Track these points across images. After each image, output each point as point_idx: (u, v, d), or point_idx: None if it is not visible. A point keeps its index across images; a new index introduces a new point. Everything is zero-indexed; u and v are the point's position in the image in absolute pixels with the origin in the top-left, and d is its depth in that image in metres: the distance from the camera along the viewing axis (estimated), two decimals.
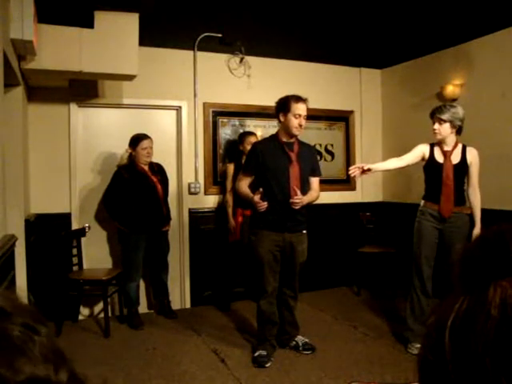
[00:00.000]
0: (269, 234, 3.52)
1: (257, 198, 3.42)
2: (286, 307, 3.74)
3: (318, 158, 5.55)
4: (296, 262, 3.62)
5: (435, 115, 3.58)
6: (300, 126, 3.51)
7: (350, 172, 3.49)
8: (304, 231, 3.63)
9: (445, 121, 3.54)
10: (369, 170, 3.46)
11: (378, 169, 3.70)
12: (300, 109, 3.51)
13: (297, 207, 3.42)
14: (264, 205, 3.41)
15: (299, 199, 3.41)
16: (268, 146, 3.65)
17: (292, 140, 3.60)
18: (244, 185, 3.64)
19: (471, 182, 3.67)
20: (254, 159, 3.61)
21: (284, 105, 3.52)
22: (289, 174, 3.52)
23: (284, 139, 3.59)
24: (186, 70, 4.92)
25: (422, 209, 3.73)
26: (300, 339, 3.79)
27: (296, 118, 3.49)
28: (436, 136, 3.61)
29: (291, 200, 3.40)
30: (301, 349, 3.72)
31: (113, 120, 4.79)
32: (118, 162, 4.68)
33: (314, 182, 3.69)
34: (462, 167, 3.63)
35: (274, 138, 3.67)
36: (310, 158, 3.70)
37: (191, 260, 4.97)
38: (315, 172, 3.70)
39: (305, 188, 3.58)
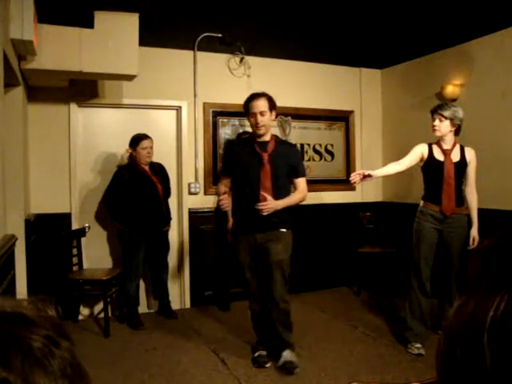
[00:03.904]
0: (242, 237, 3.44)
1: (222, 195, 3.38)
2: (272, 316, 3.44)
3: (318, 157, 5.60)
4: (271, 262, 3.37)
5: (437, 111, 3.58)
6: (257, 124, 3.33)
7: (350, 179, 3.45)
8: (283, 229, 3.41)
9: (446, 118, 3.55)
10: (369, 175, 3.44)
11: (378, 175, 3.66)
12: (254, 107, 3.33)
13: (264, 213, 3.23)
14: (225, 202, 3.35)
15: (264, 206, 3.22)
16: (242, 145, 3.54)
17: (266, 139, 3.42)
18: (221, 186, 3.58)
19: (469, 182, 3.68)
20: (228, 160, 3.54)
21: (245, 107, 3.41)
22: (259, 175, 3.36)
23: (257, 139, 3.43)
24: (186, 70, 4.92)
25: (422, 209, 3.73)
26: (286, 356, 3.42)
27: (252, 117, 3.34)
28: (435, 133, 3.61)
29: (256, 206, 3.23)
30: (282, 367, 3.39)
31: (113, 120, 4.79)
32: (119, 162, 4.68)
33: (298, 182, 3.48)
34: (462, 166, 3.64)
35: (250, 137, 3.54)
36: (288, 158, 3.45)
37: (191, 260, 4.97)
38: (298, 173, 3.48)
39: (281, 191, 3.39)
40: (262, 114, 3.32)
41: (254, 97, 3.36)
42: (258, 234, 3.38)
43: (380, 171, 3.70)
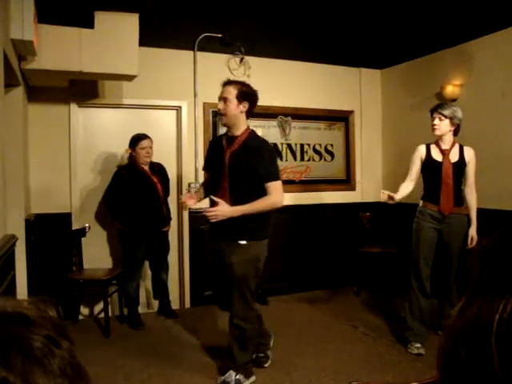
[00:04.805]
0: (211, 245, 3.23)
1: (183, 195, 3.20)
2: (231, 336, 3.16)
3: (318, 157, 5.59)
4: (229, 276, 3.06)
5: (436, 110, 3.59)
6: (218, 110, 3.09)
7: (381, 195, 3.56)
8: (242, 242, 2.99)
9: (446, 117, 3.56)
10: (392, 198, 3.53)
11: (399, 198, 3.68)
12: (222, 92, 3.05)
13: (212, 221, 2.90)
14: (183, 201, 3.16)
15: (209, 212, 2.91)
16: (218, 140, 3.25)
17: (236, 134, 3.06)
18: (204, 182, 3.38)
19: (468, 182, 3.69)
20: (206, 155, 3.33)
21: None
22: (219, 175, 3.04)
23: (227, 133, 3.12)
24: (186, 70, 4.92)
25: (421, 209, 3.74)
26: (228, 376, 3.16)
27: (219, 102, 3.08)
28: (435, 132, 3.62)
29: (204, 212, 2.96)
30: None
31: (113, 120, 4.79)
32: (119, 162, 4.68)
33: (268, 187, 2.97)
34: (461, 166, 3.65)
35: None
36: (250, 157, 2.98)
37: (191, 260, 4.97)
38: (261, 177, 2.96)
39: (241, 195, 2.97)
40: (224, 100, 3.00)
41: (225, 82, 3.10)
42: (220, 243, 3.08)
43: (400, 194, 3.70)
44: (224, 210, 2.90)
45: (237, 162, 3.00)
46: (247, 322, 3.10)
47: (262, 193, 2.98)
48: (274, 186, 2.98)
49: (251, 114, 3.15)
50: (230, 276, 3.05)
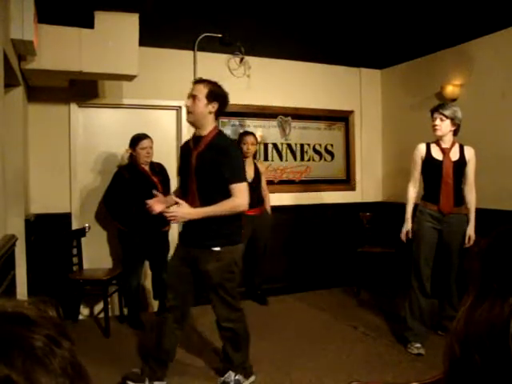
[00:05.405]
0: (179, 245, 3.14)
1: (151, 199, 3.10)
2: (223, 339, 3.15)
3: (318, 157, 5.60)
4: (206, 283, 3.01)
5: (438, 111, 3.59)
6: (187, 108, 2.96)
7: (403, 238, 3.75)
8: (216, 248, 2.90)
9: (447, 117, 3.56)
10: (408, 231, 3.75)
11: (410, 215, 3.79)
12: (192, 89, 2.96)
13: (173, 222, 2.82)
14: (150, 207, 3.05)
15: (169, 213, 2.83)
16: (189, 141, 3.13)
17: (202, 134, 2.97)
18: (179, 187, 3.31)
19: (468, 181, 3.69)
20: (180, 158, 3.21)
21: None
22: (187, 177, 2.98)
23: (195, 133, 3.03)
24: (186, 70, 4.92)
25: (422, 209, 3.74)
26: (227, 377, 3.15)
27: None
28: (436, 132, 3.61)
29: (164, 213, 2.88)
30: None
31: (113, 120, 4.79)
32: (119, 162, 4.68)
33: (232, 189, 2.87)
34: (462, 165, 3.65)
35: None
36: (216, 157, 2.88)
37: None
38: (226, 178, 2.86)
39: (209, 197, 2.88)
40: (193, 98, 2.91)
41: (196, 80, 3.02)
42: (191, 248, 2.99)
43: (410, 210, 3.81)
44: (183, 211, 2.82)
45: (203, 163, 2.91)
46: (235, 323, 3.07)
47: (228, 195, 2.89)
48: (239, 188, 2.88)
49: (221, 114, 3.10)
50: (207, 283, 3.00)
